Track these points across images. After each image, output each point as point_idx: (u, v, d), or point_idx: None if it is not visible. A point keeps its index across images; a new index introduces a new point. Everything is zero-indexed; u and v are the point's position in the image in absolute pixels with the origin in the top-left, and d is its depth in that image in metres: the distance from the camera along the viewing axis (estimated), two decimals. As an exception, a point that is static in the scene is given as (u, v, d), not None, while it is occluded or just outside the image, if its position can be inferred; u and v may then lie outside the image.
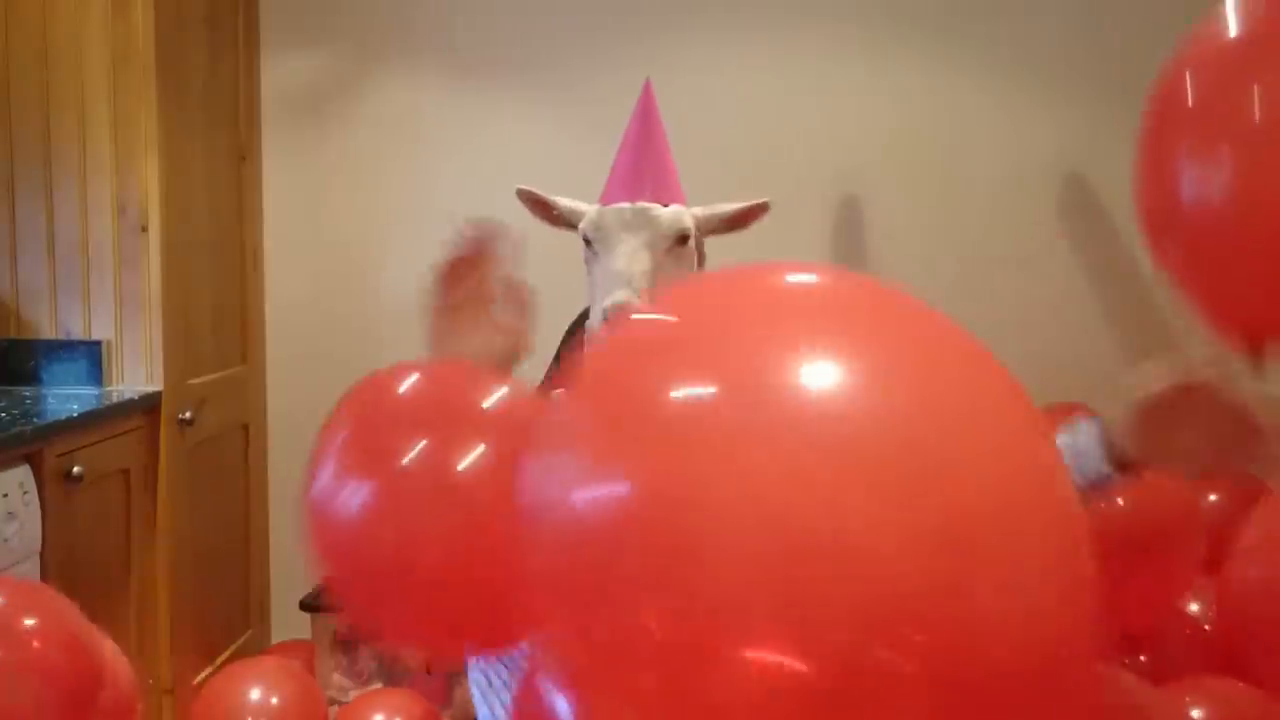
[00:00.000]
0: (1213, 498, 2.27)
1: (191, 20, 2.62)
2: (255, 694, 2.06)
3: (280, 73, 2.98)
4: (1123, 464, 1.24)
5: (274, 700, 2.04)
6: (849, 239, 2.93)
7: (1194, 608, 2.15)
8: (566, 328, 1.63)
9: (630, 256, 1.37)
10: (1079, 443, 1.29)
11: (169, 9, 2.47)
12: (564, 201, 1.49)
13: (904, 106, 2.89)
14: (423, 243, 3.36)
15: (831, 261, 2.93)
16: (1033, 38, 2.85)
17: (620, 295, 1.34)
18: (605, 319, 1.34)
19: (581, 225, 1.44)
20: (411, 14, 2.95)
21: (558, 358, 1.56)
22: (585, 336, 1.52)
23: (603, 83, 2.91)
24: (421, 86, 2.97)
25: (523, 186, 1.50)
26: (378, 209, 3.00)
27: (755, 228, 2.72)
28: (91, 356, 2.42)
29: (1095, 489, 1.29)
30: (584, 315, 1.57)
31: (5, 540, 1.86)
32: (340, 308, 3.01)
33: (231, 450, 2.89)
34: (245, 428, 2.95)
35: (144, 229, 2.41)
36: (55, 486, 2.03)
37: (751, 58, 2.88)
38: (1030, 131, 2.86)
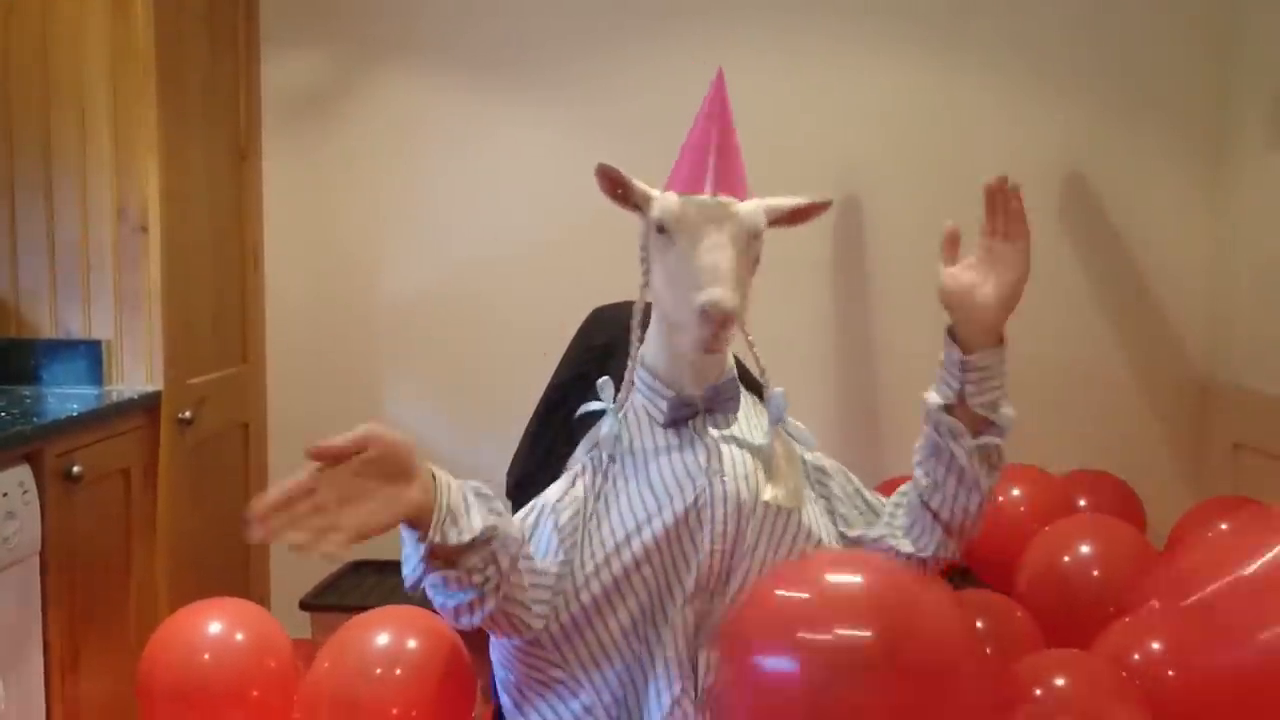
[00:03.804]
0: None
1: (191, 19, 2.62)
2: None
3: (280, 72, 2.98)
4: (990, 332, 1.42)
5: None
6: (849, 239, 2.92)
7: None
8: (576, 415, 1.54)
9: (718, 252, 1.32)
10: (948, 356, 1.44)
11: (169, 8, 2.47)
12: (639, 185, 1.42)
13: (905, 106, 2.89)
14: (423, 242, 3.37)
15: (831, 261, 2.93)
16: (1034, 38, 2.85)
17: (716, 292, 1.28)
18: (700, 315, 1.28)
19: (657, 212, 1.38)
20: (412, 13, 2.94)
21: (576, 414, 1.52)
22: (633, 363, 1.46)
23: (601, 83, 2.92)
24: (422, 86, 2.97)
25: (604, 163, 1.40)
26: (378, 208, 2.99)
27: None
28: (91, 356, 2.42)
29: (988, 370, 1.42)
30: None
31: (5, 540, 1.86)
32: (340, 307, 3.01)
33: (231, 450, 2.89)
34: (245, 427, 2.95)
35: (144, 229, 2.41)
36: (55, 486, 2.03)
37: (752, 57, 2.88)
38: (1031, 131, 2.86)
